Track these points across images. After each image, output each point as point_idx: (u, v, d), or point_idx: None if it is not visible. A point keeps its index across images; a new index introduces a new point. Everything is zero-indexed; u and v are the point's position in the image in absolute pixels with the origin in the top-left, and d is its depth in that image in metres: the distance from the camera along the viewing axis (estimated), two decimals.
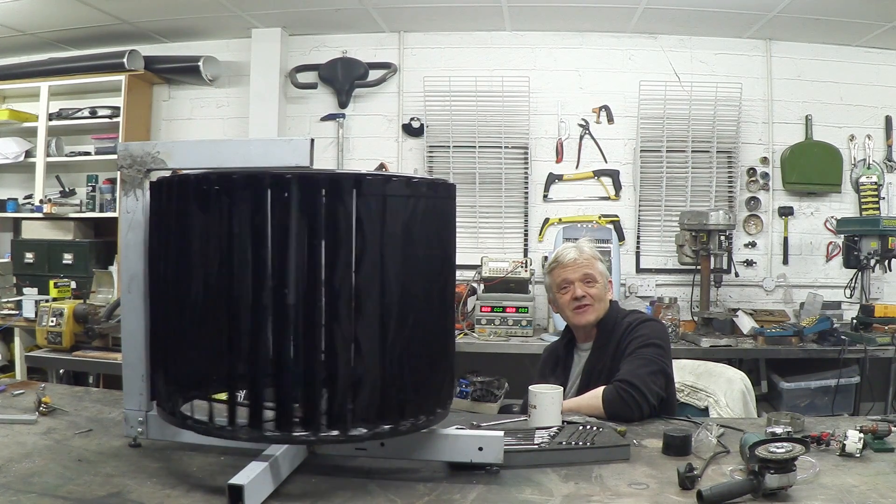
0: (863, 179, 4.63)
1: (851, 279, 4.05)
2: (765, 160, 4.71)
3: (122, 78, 4.69)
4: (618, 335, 2.25)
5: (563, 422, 1.86)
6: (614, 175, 4.73)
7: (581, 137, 4.75)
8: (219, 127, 4.98)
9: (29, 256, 4.77)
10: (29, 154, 4.92)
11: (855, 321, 4.02)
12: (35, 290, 4.43)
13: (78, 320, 3.34)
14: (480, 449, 1.50)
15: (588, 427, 1.79)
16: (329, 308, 1.32)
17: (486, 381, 3.93)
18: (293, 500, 1.38)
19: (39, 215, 4.82)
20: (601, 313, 2.32)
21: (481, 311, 4.12)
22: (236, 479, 1.28)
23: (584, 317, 2.31)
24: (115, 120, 4.76)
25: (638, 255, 4.74)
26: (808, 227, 4.71)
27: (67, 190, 4.97)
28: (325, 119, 4.87)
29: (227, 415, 1.36)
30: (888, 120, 4.67)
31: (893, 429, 1.74)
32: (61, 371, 3.46)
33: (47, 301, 3.77)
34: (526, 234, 4.78)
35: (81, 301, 3.63)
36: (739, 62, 4.69)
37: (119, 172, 1.74)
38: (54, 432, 1.78)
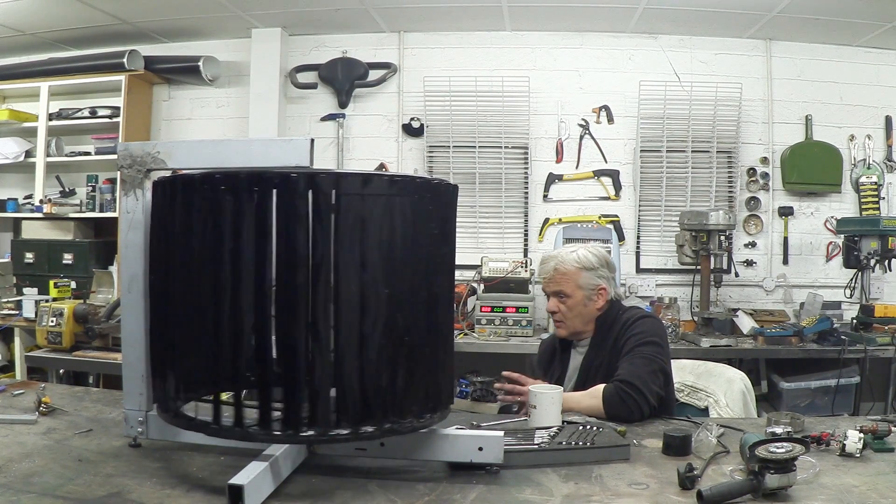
0: (863, 179, 4.63)
1: (851, 279, 4.05)
2: (765, 160, 4.71)
3: (122, 78, 4.69)
4: (615, 331, 2.25)
5: (563, 422, 1.86)
6: (614, 175, 4.73)
7: (581, 137, 4.75)
8: (219, 127, 4.98)
9: (29, 256, 4.77)
10: (29, 154, 4.92)
11: (855, 321, 4.02)
12: (35, 290, 4.43)
13: (78, 320, 3.34)
14: (480, 449, 1.50)
15: (588, 427, 1.79)
16: (329, 309, 1.32)
17: (486, 381, 3.93)
18: (293, 500, 1.38)
19: (39, 215, 4.82)
20: (575, 329, 2.33)
21: (481, 311, 4.11)
22: (236, 479, 1.28)
23: (559, 331, 2.38)
24: (115, 120, 4.76)
25: (638, 255, 4.74)
26: (808, 227, 4.71)
27: (67, 190, 4.97)
28: (325, 119, 4.87)
29: (229, 415, 1.36)
30: (888, 120, 4.67)
31: (893, 429, 1.74)
32: (61, 371, 3.46)
33: (47, 301, 3.77)
34: (526, 234, 4.78)
35: (81, 301, 3.63)
36: (739, 62, 4.69)
37: (119, 172, 1.74)
38: (54, 432, 1.78)
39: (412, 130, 4.81)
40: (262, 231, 1.32)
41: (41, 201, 4.80)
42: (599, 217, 4.71)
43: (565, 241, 4.13)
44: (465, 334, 4.11)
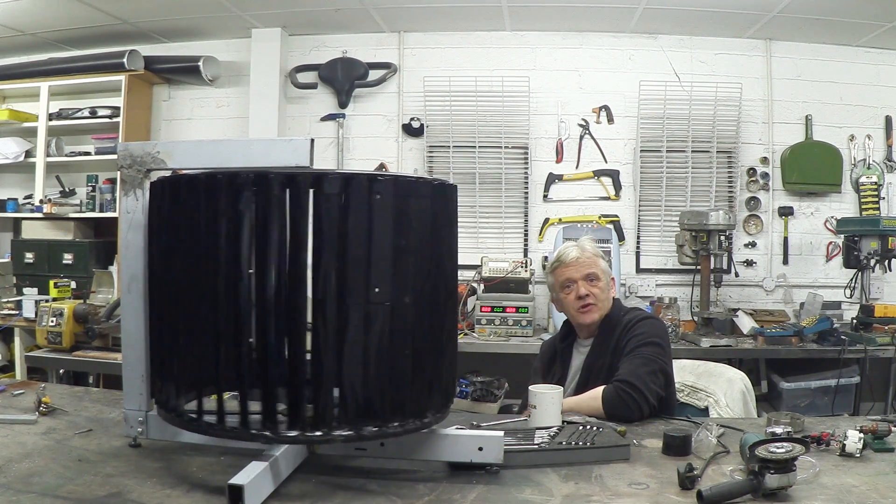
0: (863, 179, 4.64)
1: (851, 279, 4.05)
2: (765, 160, 4.71)
3: (122, 78, 4.70)
4: (617, 333, 2.26)
5: (563, 422, 1.86)
6: (614, 175, 4.73)
7: (581, 137, 4.75)
8: (219, 127, 4.98)
9: (29, 256, 4.78)
10: (29, 154, 4.92)
11: (855, 321, 4.02)
12: (35, 290, 4.43)
13: (78, 320, 3.33)
14: (480, 449, 1.50)
15: (588, 427, 1.79)
16: (330, 308, 1.32)
17: (486, 381, 3.93)
18: (293, 500, 1.38)
19: (39, 215, 4.82)
20: (605, 311, 2.33)
21: (481, 311, 4.12)
22: (236, 479, 1.28)
23: (590, 316, 2.32)
24: (115, 120, 4.76)
25: (638, 255, 4.74)
26: (808, 227, 4.72)
27: (67, 190, 4.97)
28: (325, 119, 4.87)
29: (228, 415, 1.36)
30: (888, 120, 4.67)
31: (893, 429, 1.74)
32: (61, 371, 3.46)
33: (47, 301, 3.76)
34: (526, 234, 4.78)
35: (81, 301, 3.63)
36: (739, 62, 4.69)
37: (119, 172, 1.74)
38: (54, 432, 1.78)
39: (412, 130, 4.81)
40: (263, 231, 1.32)
41: (41, 201, 4.80)
42: (599, 217, 4.71)
43: (566, 241, 4.12)
44: (465, 334, 4.11)
